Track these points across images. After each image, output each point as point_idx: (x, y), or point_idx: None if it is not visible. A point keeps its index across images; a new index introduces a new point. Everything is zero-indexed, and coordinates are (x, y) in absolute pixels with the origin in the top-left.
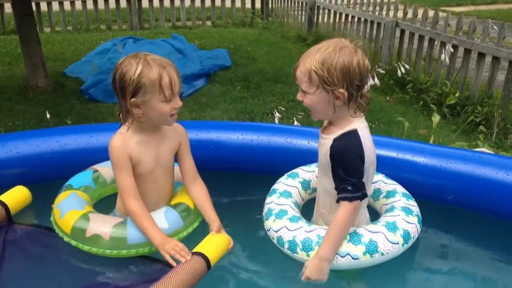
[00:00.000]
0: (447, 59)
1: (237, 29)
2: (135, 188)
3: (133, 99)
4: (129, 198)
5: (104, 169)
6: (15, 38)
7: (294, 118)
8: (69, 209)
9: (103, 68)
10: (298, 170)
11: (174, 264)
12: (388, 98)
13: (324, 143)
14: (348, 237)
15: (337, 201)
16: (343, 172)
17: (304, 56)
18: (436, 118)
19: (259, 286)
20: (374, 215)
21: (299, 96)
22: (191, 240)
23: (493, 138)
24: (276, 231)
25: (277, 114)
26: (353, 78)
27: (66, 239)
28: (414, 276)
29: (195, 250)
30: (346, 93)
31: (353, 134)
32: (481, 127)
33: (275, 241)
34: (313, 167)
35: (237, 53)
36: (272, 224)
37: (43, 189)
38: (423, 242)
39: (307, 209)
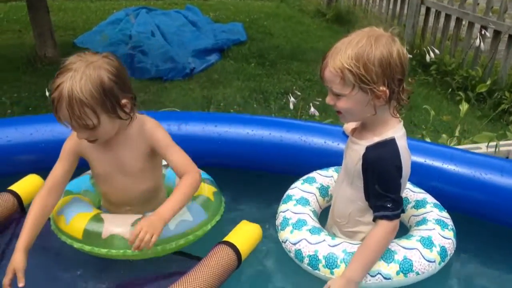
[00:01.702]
0: (482, 45)
1: (253, 1)
2: (52, 182)
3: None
4: (43, 187)
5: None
6: (26, 5)
7: (311, 104)
8: (76, 212)
9: (114, 39)
10: (314, 174)
11: None
12: (410, 80)
13: (355, 149)
14: None
15: (374, 220)
16: (381, 187)
17: (332, 53)
18: (464, 106)
19: None
20: (401, 227)
21: (330, 100)
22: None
23: None
24: (294, 244)
25: (292, 99)
26: (395, 72)
27: (76, 245)
28: None
29: (224, 239)
30: (387, 91)
31: (391, 143)
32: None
33: (292, 255)
34: (331, 171)
35: (252, 27)
36: (289, 236)
37: None
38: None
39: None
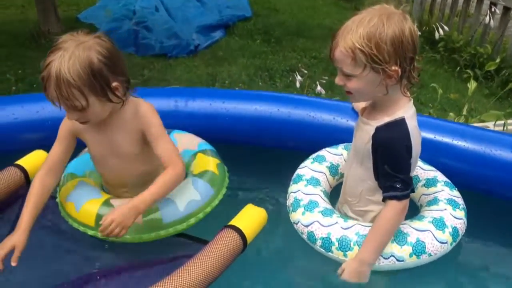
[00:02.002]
0: (492, 22)
1: None
2: (51, 162)
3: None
4: (41, 168)
5: None
6: None
7: (317, 83)
8: (86, 199)
9: (117, 15)
10: (324, 152)
11: None
12: (417, 57)
13: (365, 129)
14: (392, 236)
15: (383, 200)
16: (390, 167)
17: (342, 33)
18: (472, 85)
19: (283, 279)
20: (411, 206)
21: (339, 81)
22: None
23: None
24: (307, 226)
25: (298, 77)
26: (407, 50)
27: (90, 232)
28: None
29: (230, 223)
30: (399, 70)
31: (401, 123)
32: None
33: (304, 237)
34: (340, 149)
35: (258, 3)
36: (301, 217)
37: None
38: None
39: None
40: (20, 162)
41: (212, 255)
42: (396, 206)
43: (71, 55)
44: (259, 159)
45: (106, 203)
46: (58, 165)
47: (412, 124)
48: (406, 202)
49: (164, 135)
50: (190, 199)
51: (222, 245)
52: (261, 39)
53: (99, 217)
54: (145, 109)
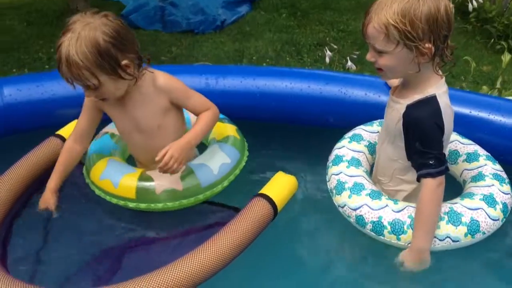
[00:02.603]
0: None
1: None
2: (81, 132)
3: None
4: (70, 137)
5: (114, 130)
6: None
7: (348, 58)
8: (122, 174)
9: None
10: (360, 131)
11: None
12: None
13: (396, 108)
14: (446, 217)
15: (418, 180)
16: (422, 145)
17: (376, 8)
18: (506, 57)
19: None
20: (453, 181)
21: (370, 57)
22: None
23: None
24: (355, 210)
25: (328, 52)
26: (441, 28)
27: (131, 205)
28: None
29: (261, 192)
30: (432, 48)
31: (432, 101)
32: None
33: (352, 220)
34: (375, 126)
35: None
36: (347, 201)
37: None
38: None
39: None
40: (60, 132)
41: (244, 223)
42: (432, 185)
43: (78, 37)
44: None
45: (143, 176)
46: (85, 134)
47: (444, 101)
48: (441, 179)
49: (190, 91)
50: (222, 162)
51: (253, 213)
52: (287, 13)
53: (139, 189)
54: (163, 80)
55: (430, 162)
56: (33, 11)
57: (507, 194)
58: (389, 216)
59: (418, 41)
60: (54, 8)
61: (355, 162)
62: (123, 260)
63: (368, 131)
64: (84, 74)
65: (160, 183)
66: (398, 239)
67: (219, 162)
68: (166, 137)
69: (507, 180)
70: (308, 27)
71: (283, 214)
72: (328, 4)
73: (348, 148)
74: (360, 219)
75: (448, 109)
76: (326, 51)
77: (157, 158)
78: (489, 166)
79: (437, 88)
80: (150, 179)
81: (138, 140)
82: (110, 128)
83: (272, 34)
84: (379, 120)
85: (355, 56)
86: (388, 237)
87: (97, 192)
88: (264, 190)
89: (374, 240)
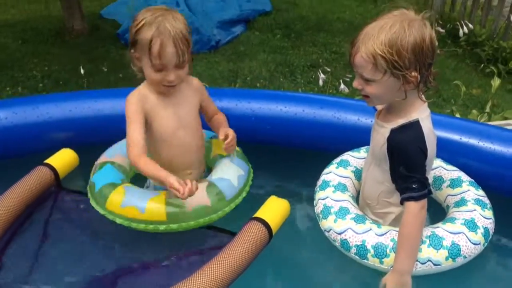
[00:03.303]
0: None
1: None
2: (143, 142)
3: (132, 50)
4: (134, 151)
5: (112, 158)
6: None
7: (341, 81)
8: (146, 199)
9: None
10: (347, 157)
11: (179, 191)
12: (438, 51)
13: (381, 132)
14: (427, 241)
15: (401, 203)
16: (406, 169)
17: (363, 38)
18: (496, 82)
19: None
20: (437, 206)
21: (357, 85)
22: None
23: None
24: (340, 234)
25: (321, 75)
26: (426, 56)
27: (162, 227)
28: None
29: (256, 215)
30: (418, 76)
31: (415, 125)
32: None
33: (337, 244)
34: (362, 152)
35: None
36: (333, 225)
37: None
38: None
39: None
40: (49, 161)
41: (240, 247)
42: (414, 208)
43: (173, 17)
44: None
45: (168, 198)
46: (144, 143)
47: (427, 126)
48: (423, 203)
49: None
50: (238, 174)
51: (249, 237)
52: (281, 34)
53: (169, 210)
54: (196, 81)
55: (413, 186)
56: (28, 29)
57: (489, 219)
58: (372, 239)
59: (405, 70)
60: (49, 27)
61: (341, 187)
62: (117, 285)
63: (355, 157)
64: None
65: (189, 201)
66: (381, 262)
67: (236, 174)
68: (201, 136)
69: (489, 206)
70: (302, 48)
71: (274, 238)
72: (321, 26)
73: (335, 173)
74: (345, 243)
75: (430, 134)
76: (320, 74)
77: (221, 137)
78: (472, 192)
79: (420, 112)
80: (178, 199)
81: (182, 137)
82: (107, 157)
83: (266, 55)
84: (366, 147)
85: (347, 79)
86: (372, 261)
87: (119, 221)
88: (259, 214)
89: (362, 266)
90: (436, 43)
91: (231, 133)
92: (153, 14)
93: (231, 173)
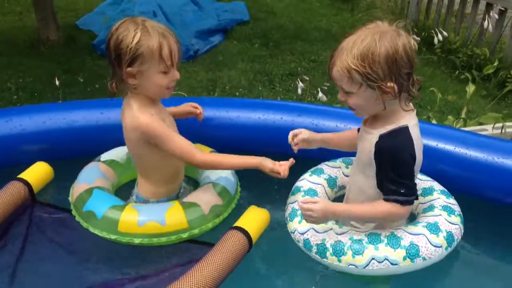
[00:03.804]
0: (491, 27)
1: None
2: (192, 145)
3: (129, 69)
4: (195, 153)
5: (100, 182)
6: None
7: (319, 89)
8: (163, 211)
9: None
10: (322, 166)
11: (280, 174)
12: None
13: (368, 138)
14: (385, 240)
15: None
16: (396, 174)
17: (338, 53)
18: (470, 88)
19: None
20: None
21: (341, 97)
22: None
23: None
24: (302, 234)
25: (300, 84)
26: (401, 67)
27: (185, 235)
28: (451, 282)
29: (236, 224)
30: (395, 86)
31: (404, 131)
32: None
33: (300, 245)
34: (338, 162)
35: (255, 6)
36: (297, 226)
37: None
38: (463, 244)
39: None
40: (23, 175)
41: (220, 256)
42: (395, 208)
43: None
44: None
45: (184, 204)
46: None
47: (415, 133)
48: (408, 208)
49: None
50: (232, 181)
51: (229, 245)
52: (260, 43)
53: (189, 217)
54: None
55: (401, 190)
56: (2, 41)
57: (455, 224)
58: (332, 238)
59: (380, 82)
60: (24, 38)
61: (311, 193)
62: None
63: (330, 166)
64: None
65: (205, 202)
66: (339, 260)
67: (232, 181)
68: None
69: (457, 213)
70: (280, 57)
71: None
72: (299, 35)
73: (308, 180)
74: (306, 243)
75: (419, 141)
76: (298, 83)
77: (193, 108)
78: (442, 199)
79: (408, 119)
80: (194, 204)
81: None
82: (88, 184)
83: (245, 64)
84: (343, 158)
85: (325, 88)
86: (331, 259)
87: (138, 240)
88: (238, 223)
89: (345, 275)
90: (414, 52)
91: (196, 104)
92: (136, 25)
93: (230, 174)
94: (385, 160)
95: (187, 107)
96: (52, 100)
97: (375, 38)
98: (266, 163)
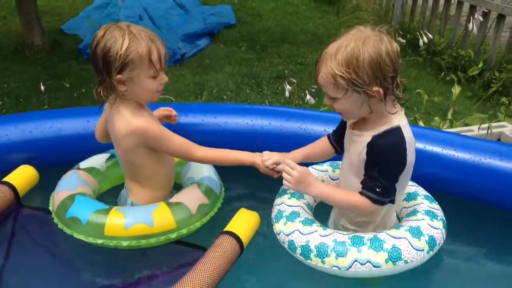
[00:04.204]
0: (475, 29)
1: None
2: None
3: (119, 76)
4: (196, 148)
5: (82, 189)
6: None
7: (307, 92)
8: (150, 212)
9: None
10: (310, 169)
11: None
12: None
13: (360, 141)
14: (368, 243)
15: (360, 192)
16: (378, 172)
17: (322, 59)
18: (456, 90)
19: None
20: None
21: (327, 101)
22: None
23: None
24: (287, 235)
25: (287, 87)
26: (385, 71)
27: (173, 236)
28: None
29: (226, 229)
30: (381, 90)
31: (396, 132)
32: (503, 99)
33: (285, 246)
34: (326, 166)
35: (241, 9)
36: (282, 228)
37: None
38: (448, 248)
39: (321, 211)
40: (8, 179)
41: (213, 262)
42: (365, 203)
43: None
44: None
45: (171, 204)
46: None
47: (408, 133)
48: (376, 207)
49: None
50: (216, 181)
51: (221, 251)
52: (247, 46)
53: (177, 217)
54: None
55: (377, 189)
56: None
57: (437, 229)
58: (316, 240)
59: (365, 86)
60: (8, 43)
61: (297, 195)
62: None
63: (317, 169)
64: None
65: (191, 202)
66: (323, 262)
67: (212, 171)
68: None
69: (440, 217)
70: (267, 60)
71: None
72: (286, 38)
73: None
74: (291, 244)
75: (411, 142)
76: (286, 86)
77: (167, 111)
78: (425, 204)
79: (399, 120)
80: (181, 204)
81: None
82: (69, 191)
83: (232, 67)
84: (330, 162)
85: (313, 90)
86: (314, 261)
87: (125, 243)
88: (229, 227)
89: (333, 277)
90: (397, 56)
91: (169, 108)
92: (122, 31)
93: (208, 171)
94: (373, 156)
95: (162, 111)
96: (37, 105)
97: (358, 44)
98: (260, 164)
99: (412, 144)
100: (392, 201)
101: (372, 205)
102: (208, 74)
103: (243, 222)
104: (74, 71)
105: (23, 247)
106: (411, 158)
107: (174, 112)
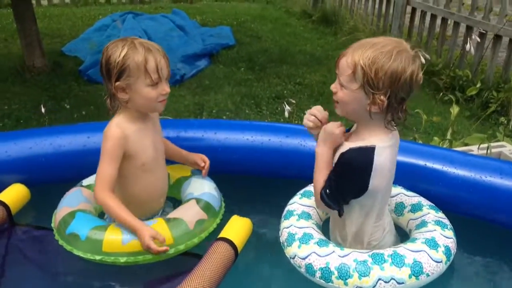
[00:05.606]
0: (473, 49)
1: (239, 3)
2: (115, 181)
3: (117, 83)
4: (105, 189)
5: (83, 206)
6: (11, 12)
7: (306, 112)
8: (131, 239)
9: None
10: (310, 187)
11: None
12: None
13: (340, 151)
14: (390, 259)
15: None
16: (334, 178)
17: (355, 46)
18: (454, 109)
19: None
20: (399, 231)
21: (334, 87)
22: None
23: (510, 127)
24: (304, 259)
25: (287, 107)
26: (401, 88)
27: (171, 251)
28: None
29: (220, 236)
30: (386, 102)
31: (367, 152)
32: (502, 119)
33: (302, 270)
34: None
35: (240, 31)
36: (297, 251)
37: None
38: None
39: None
40: (0, 197)
41: (208, 269)
42: (318, 193)
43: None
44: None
45: (169, 219)
46: (115, 182)
47: (383, 156)
48: (322, 204)
49: None
50: (214, 187)
51: (217, 257)
52: (245, 67)
53: (175, 232)
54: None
55: (327, 190)
56: None
57: (450, 238)
58: (335, 261)
59: (376, 90)
60: (9, 65)
61: (305, 216)
62: None
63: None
64: None
65: (189, 217)
66: (346, 284)
67: (213, 186)
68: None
69: (449, 226)
70: (266, 80)
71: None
72: (284, 58)
73: (299, 203)
74: (309, 268)
75: (384, 167)
76: (285, 106)
77: (202, 164)
78: (432, 214)
79: (380, 140)
80: (179, 219)
81: (161, 166)
82: (70, 207)
83: (231, 88)
84: None
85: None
86: (336, 283)
87: (123, 259)
88: (223, 234)
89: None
90: (417, 83)
91: (206, 158)
92: (124, 42)
93: (209, 187)
94: (337, 164)
95: (197, 157)
96: (37, 127)
97: (392, 51)
98: (144, 237)
99: (385, 169)
100: (339, 212)
101: (320, 200)
102: (207, 95)
103: (237, 229)
104: (74, 92)
105: (17, 264)
106: (378, 183)
107: (207, 165)
